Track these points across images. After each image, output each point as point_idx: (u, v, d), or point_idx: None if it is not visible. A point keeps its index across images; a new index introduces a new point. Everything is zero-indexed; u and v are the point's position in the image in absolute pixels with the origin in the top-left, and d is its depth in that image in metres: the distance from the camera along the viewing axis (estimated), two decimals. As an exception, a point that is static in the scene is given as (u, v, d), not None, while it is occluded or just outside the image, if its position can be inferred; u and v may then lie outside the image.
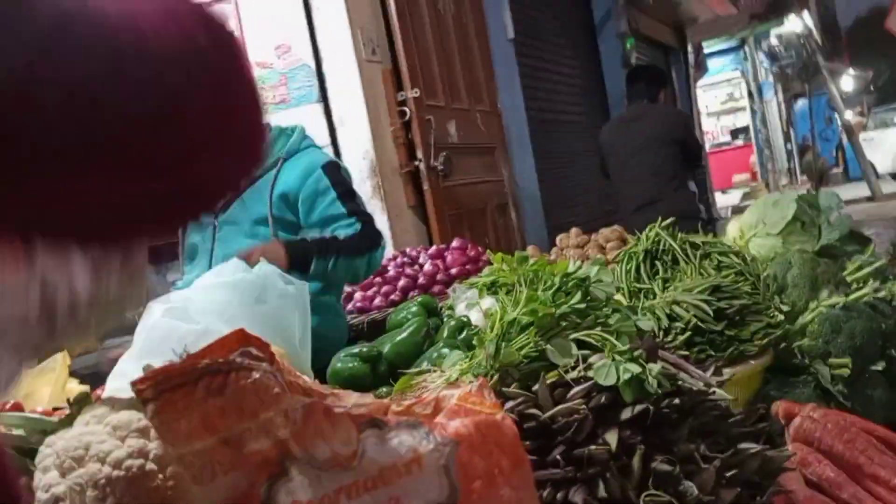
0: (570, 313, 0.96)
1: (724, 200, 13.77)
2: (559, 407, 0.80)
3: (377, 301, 2.84)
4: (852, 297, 1.57)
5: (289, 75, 3.54)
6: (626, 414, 0.81)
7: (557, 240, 2.90)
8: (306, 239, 2.02)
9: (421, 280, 2.82)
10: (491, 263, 2.96)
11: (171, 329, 1.33)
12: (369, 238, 2.09)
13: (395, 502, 0.49)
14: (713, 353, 1.46)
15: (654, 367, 0.83)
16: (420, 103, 3.69)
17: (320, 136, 3.52)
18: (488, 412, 0.58)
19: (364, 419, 0.50)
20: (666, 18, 9.51)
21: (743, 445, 0.84)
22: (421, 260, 3.00)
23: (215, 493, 0.52)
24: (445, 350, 1.27)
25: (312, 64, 3.49)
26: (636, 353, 0.87)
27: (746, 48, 16.08)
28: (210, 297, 1.46)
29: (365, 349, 1.30)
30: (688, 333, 1.45)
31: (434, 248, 3.08)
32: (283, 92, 3.56)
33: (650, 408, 0.80)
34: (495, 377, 0.94)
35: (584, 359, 0.91)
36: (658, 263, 2.08)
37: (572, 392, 0.83)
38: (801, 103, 20.35)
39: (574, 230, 2.84)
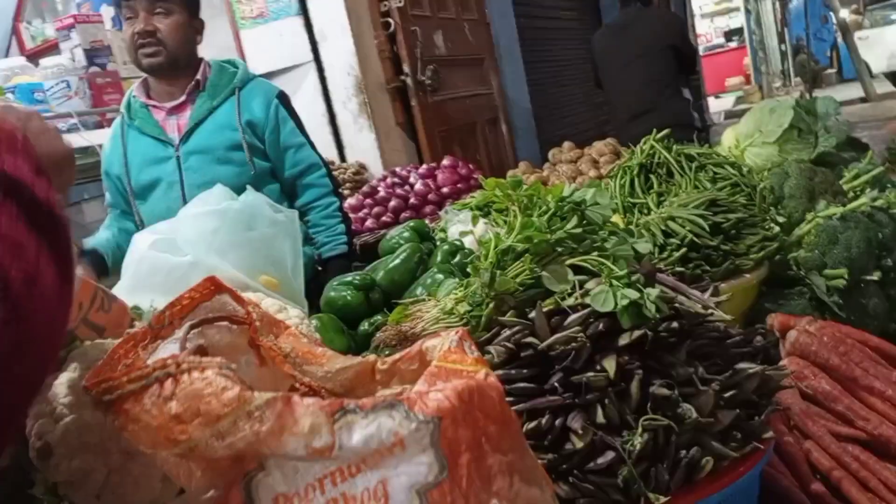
0: (566, 239, 0.93)
1: (717, 105, 13.58)
2: (556, 336, 0.79)
3: (368, 223, 2.82)
4: (849, 206, 1.54)
5: (268, -10, 3.39)
6: (624, 340, 0.80)
7: (550, 154, 2.85)
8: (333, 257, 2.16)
9: (412, 200, 2.79)
10: (484, 179, 2.93)
11: (158, 262, 1.31)
12: (341, 196, 2.27)
13: (382, 485, 0.48)
14: (709, 268, 1.45)
15: (652, 292, 0.81)
16: (404, 13, 3.55)
17: (302, 51, 3.40)
18: (470, 371, 0.56)
19: (337, 407, 0.48)
20: (659, -86, 9.06)
21: (741, 366, 0.84)
22: (411, 179, 2.95)
23: (198, 491, 0.51)
24: (439, 276, 1.25)
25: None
26: (634, 278, 0.85)
27: (743, -56, 15.48)
28: (197, 227, 1.42)
29: (358, 277, 1.28)
30: (683, 249, 1.44)
31: (424, 166, 3.03)
32: (261, 5, 3.41)
33: (648, 333, 0.79)
34: (490, 306, 0.92)
35: (581, 284, 0.89)
36: (653, 177, 2.04)
37: (569, 319, 0.82)
38: (796, 2, 19.76)
39: (567, 144, 2.79)
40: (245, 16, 3.39)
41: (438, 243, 1.46)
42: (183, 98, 2.11)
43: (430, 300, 1.02)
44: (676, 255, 1.46)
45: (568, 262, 0.93)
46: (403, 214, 2.77)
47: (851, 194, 1.71)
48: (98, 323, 0.86)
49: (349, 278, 1.29)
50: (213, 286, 0.73)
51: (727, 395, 0.80)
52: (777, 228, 1.60)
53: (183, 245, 1.38)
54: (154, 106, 2.12)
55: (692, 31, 10.39)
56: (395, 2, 3.47)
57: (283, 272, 1.34)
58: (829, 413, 1.06)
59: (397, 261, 1.33)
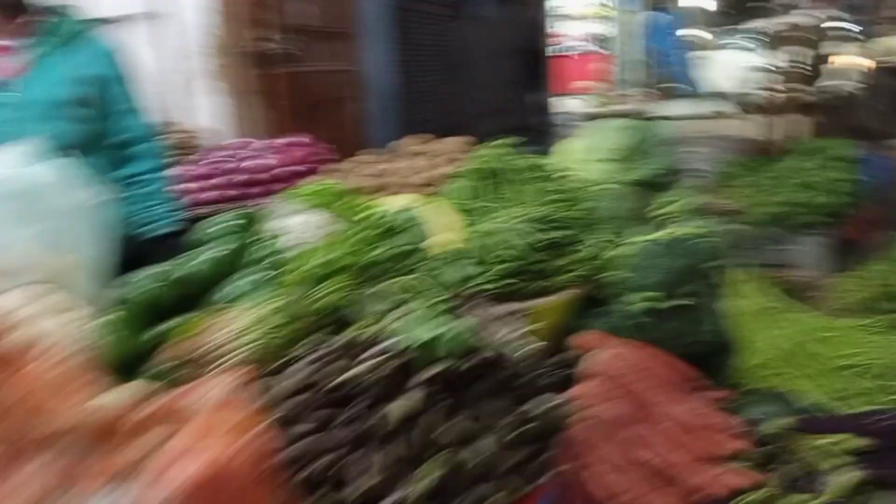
0: (388, 259, 0.91)
1: (574, 106, 14.16)
2: (349, 373, 0.76)
3: (212, 194, 2.65)
4: (665, 232, 1.64)
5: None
6: (423, 376, 0.78)
7: (399, 144, 2.83)
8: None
9: (249, 177, 2.66)
10: (330, 162, 2.84)
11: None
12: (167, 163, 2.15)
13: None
14: (527, 284, 1.49)
15: (458, 326, 0.81)
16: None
17: (158, 2, 3.15)
18: (232, 434, 0.51)
19: (54, 489, 0.42)
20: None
21: (537, 400, 0.85)
22: (259, 150, 2.82)
23: None
24: (252, 276, 1.19)
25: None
26: (445, 307, 0.84)
27: (612, -46, 16.15)
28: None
29: (163, 270, 1.19)
30: (506, 264, 1.47)
31: (275, 140, 2.90)
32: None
33: (447, 369, 0.78)
34: (293, 329, 0.88)
35: (398, 305, 0.87)
36: (493, 182, 2.09)
37: (369, 352, 0.79)
38: (657, 17, 20.98)
39: (416, 137, 2.77)
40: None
41: (258, 239, 1.39)
42: (12, 42, 1.89)
43: (229, 313, 0.96)
44: (498, 268, 1.49)
45: (384, 284, 0.91)
46: (229, 192, 2.63)
47: (668, 218, 1.82)
48: None
49: (152, 270, 1.19)
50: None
51: (517, 432, 0.81)
52: (598, 248, 1.67)
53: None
54: None
55: (550, 34, 10.73)
56: (258, -36, 3.29)
57: (86, 254, 1.21)
58: (621, 439, 1.11)
59: (208, 254, 1.25)
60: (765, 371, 1.40)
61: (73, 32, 1.95)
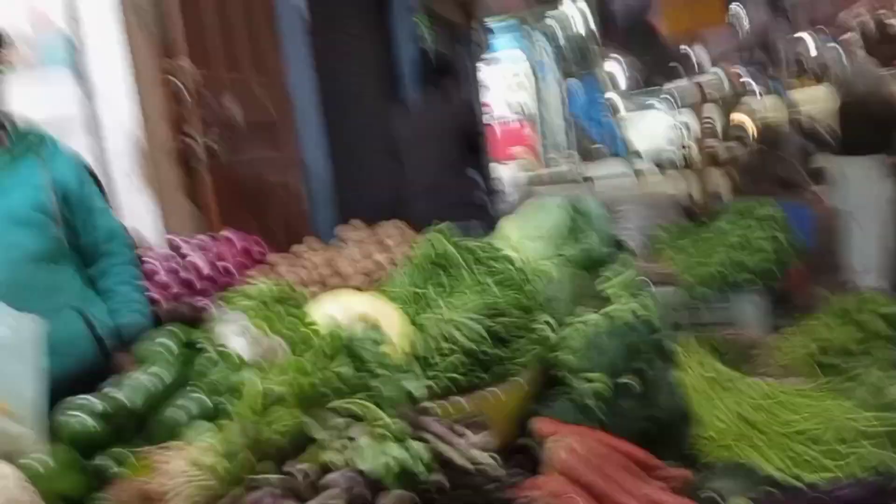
0: (335, 380, 0.88)
1: (504, 173, 14.52)
2: (315, 501, 0.73)
3: (156, 294, 2.56)
4: (608, 310, 1.66)
5: (40, 40, 3.07)
6: (385, 500, 0.76)
7: (339, 231, 2.81)
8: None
9: (184, 275, 2.59)
10: (274, 252, 2.79)
11: None
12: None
13: None
14: (484, 374, 1.48)
15: (414, 448, 0.78)
16: (193, 74, 3.37)
17: (69, 107, 3.10)
18: None
19: None
20: (454, -4, 9.68)
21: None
22: (186, 251, 2.75)
23: None
24: (194, 397, 1.14)
25: (69, 29, 3.05)
26: (399, 427, 0.82)
27: (528, 29, 16.98)
28: None
29: (99, 399, 1.13)
30: (456, 355, 1.46)
31: (203, 238, 2.84)
32: (29, 56, 3.07)
33: (412, 496, 0.76)
34: (246, 458, 0.84)
35: (349, 426, 0.84)
36: (437, 268, 2.09)
37: (327, 479, 0.76)
38: (574, 83, 21.97)
39: (356, 223, 2.77)
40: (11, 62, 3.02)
41: (200, 350, 1.34)
42: None
43: (179, 447, 0.92)
44: (451, 359, 1.48)
45: (335, 405, 0.88)
46: (173, 291, 2.56)
47: (612, 295, 1.85)
48: None
49: (86, 401, 1.12)
50: None
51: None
52: (546, 330, 1.68)
53: None
54: None
55: (482, 106, 11.12)
56: (183, 62, 3.29)
57: (17, 396, 1.14)
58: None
59: (145, 376, 1.19)
60: (718, 443, 1.41)
61: (43, 140, 1.96)
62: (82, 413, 1.11)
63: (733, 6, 12.59)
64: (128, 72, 3.11)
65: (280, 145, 4.27)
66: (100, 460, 1.08)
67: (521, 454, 1.31)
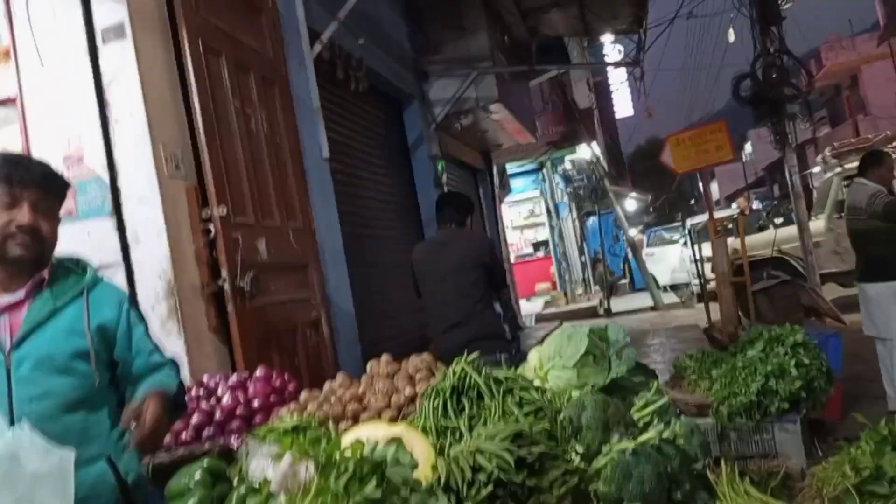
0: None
1: (528, 308, 14.60)
2: None
3: (192, 433, 2.57)
4: (640, 440, 1.64)
5: (78, 186, 3.27)
6: None
7: (368, 367, 2.83)
8: (169, 388, 1.90)
9: (218, 416, 2.60)
10: (299, 391, 2.81)
11: None
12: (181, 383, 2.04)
13: None
14: (515, 506, 1.45)
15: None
16: (227, 221, 3.55)
17: (110, 252, 3.25)
18: None
19: None
20: (473, 143, 10.22)
21: None
22: (220, 391, 2.78)
23: None
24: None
25: (106, 176, 3.25)
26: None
27: (544, 171, 17.67)
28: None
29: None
30: (490, 487, 1.43)
31: (235, 376, 2.88)
32: (69, 204, 3.26)
33: None
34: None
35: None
36: (464, 399, 2.09)
37: None
38: (591, 220, 22.53)
39: (384, 358, 2.79)
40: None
41: (235, 484, 1.34)
42: (22, 295, 1.85)
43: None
44: (484, 492, 1.45)
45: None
46: (206, 431, 2.57)
47: (642, 424, 1.82)
48: None
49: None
50: None
51: None
52: (577, 460, 1.65)
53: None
54: None
55: (503, 242, 11.39)
56: (218, 210, 3.48)
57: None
58: None
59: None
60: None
61: (91, 283, 1.95)
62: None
63: (747, 145, 13.11)
64: (163, 218, 3.28)
65: (308, 286, 4.39)
66: None
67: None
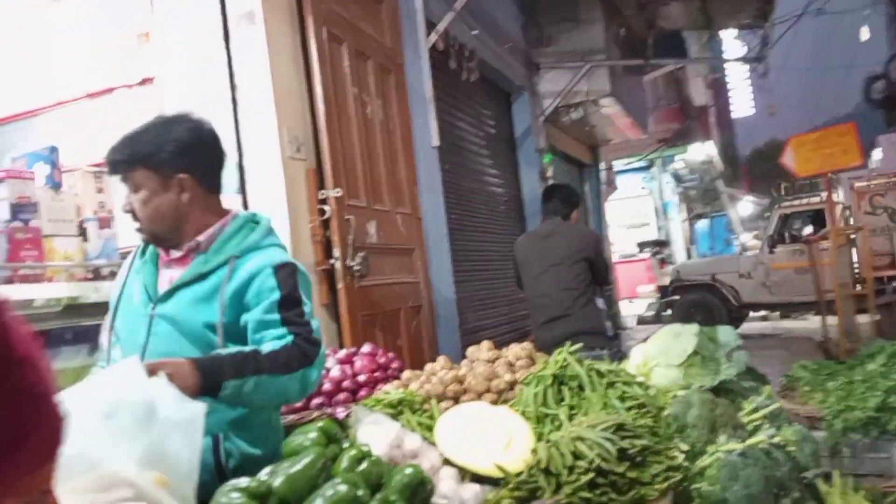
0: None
1: (630, 309, 14.27)
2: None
3: (301, 403, 2.71)
4: (748, 442, 1.60)
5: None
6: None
7: (468, 352, 2.88)
8: (220, 357, 1.71)
9: (326, 386, 2.73)
10: (401, 370, 2.90)
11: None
12: (300, 353, 1.76)
13: None
14: (615, 495, 1.45)
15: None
16: (341, 203, 3.68)
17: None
18: None
19: None
20: (581, 138, 10.08)
21: None
22: (328, 364, 2.91)
23: None
24: (342, 487, 1.20)
25: (234, 156, 3.45)
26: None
27: (654, 169, 17.18)
28: (91, 411, 1.34)
29: (254, 483, 1.21)
30: (591, 475, 1.44)
31: (343, 351, 3.00)
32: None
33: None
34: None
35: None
36: (565, 389, 2.10)
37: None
38: (701, 223, 21.70)
39: (485, 344, 2.83)
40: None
41: (345, 447, 1.42)
42: (181, 253, 1.91)
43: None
44: (584, 479, 1.46)
45: None
46: (315, 400, 2.69)
47: (751, 428, 1.77)
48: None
49: (244, 483, 1.21)
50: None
51: None
52: (681, 457, 1.63)
53: (69, 431, 1.29)
54: (161, 253, 1.95)
55: (607, 241, 11.18)
56: (334, 191, 3.62)
57: (177, 472, 1.25)
58: None
59: (299, 466, 1.27)
60: None
61: (245, 250, 1.88)
62: (239, 493, 1.20)
63: (876, 151, 12.25)
64: (284, 197, 3.44)
65: (413, 270, 4.50)
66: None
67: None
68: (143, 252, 2.00)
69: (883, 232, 8.72)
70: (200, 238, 1.89)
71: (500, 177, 7.30)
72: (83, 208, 3.28)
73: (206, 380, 1.60)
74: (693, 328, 2.23)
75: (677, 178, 19.65)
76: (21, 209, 2.91)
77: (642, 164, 16.44)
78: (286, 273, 1.88)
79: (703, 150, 16.87)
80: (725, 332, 2.30)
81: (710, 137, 17.81)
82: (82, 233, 3.22)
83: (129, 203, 1.90)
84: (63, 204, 3.14)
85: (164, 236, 1.91)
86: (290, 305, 1.83)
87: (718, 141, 21.07)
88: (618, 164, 14.36)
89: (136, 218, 1.89)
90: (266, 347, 1.74)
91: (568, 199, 4.20)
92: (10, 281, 2.79)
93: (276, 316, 1.80)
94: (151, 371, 1.48)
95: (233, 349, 1.75)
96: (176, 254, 1.91)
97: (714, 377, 2.10)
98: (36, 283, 2.86)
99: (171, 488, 1.25)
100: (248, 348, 1.75)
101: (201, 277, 1.84)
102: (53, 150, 3.26)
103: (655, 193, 17.56)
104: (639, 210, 17.81)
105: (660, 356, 2.27)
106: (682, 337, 2.22)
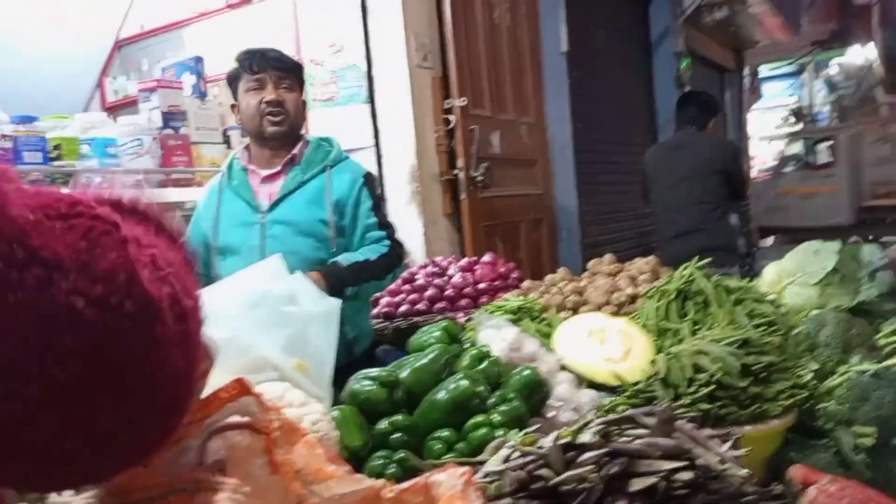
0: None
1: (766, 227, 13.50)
2: (569, 473, 0.80)
3: (403, 308, 2.85)
4: (884, 364, 1.52)
5: (339, 74, 3.57)
6: (637, 486, 0.80)
7: (589, 265, 2.87)
8: (342, 265, 2.14)
9: (448, 292, 2.83)
10: (521, 280, 2.95)
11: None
12: (396, 255, 2.30)
13: None
14: (736, 409, 1.44)
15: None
16: (466, 112, 3.69)
17: (365, 136, 3.55)
18: None
19: None
20: (724, 40, 9.34)
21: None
22: (451, 271, 3.00)
23: None
24: (464, 381, 1.27)
25: (363, 65, 3.51)
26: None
27: (805, 75, 15.74)
28: (240, 302, 1.48)
29: (384, 373, 1.31)
30: (711, 387, 1.43)
31: (465, 259, 3.08)
32: (332, 90, 3.60)
33: (658, 482, 0.80)
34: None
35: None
36: (689, 304, 2.06)
37: (583, 457, 0.83)
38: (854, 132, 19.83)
39: (608, 257, 2.80)
40: (316, 97, 3.57)
41: (467, 347, 1.49)
42: (279, 168, 2.26)
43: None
44: (704, 391, 1.46)
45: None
46: (438, 304, 2.80)
47: (888, 350, 1.68)
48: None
49: (375, 373, 1.31)
50: (239, 388, 0.76)
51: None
52: (809, 376, 1.58)
53: (222, 318, 1.43)
54: (252, 171, 2.27)
55: (748, 154, 10.51)
56: (459, 101, 3.62)
57: (316, 359, 1.37)
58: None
59: (424, 360, 1.36)
60: None
61: (334, 161, 2.29)
62: (370, 381, 1.30)
63: None
64: (410, 107, 3.49)
65: (536, 182, 4.47)
66: (380, 426, 1.25)
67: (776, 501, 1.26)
68: (230, 178, 2.29)
69: None
70: (295, 151, 2.27)
71: (632, 83, 6.97)
72: (226, 117, 3.49)
73: (333, 287, 2.02)
74: (835, 245, 2.10)
75: (830, 86, 17.92)
76: (172, 117, 3.14)
77: (791, 69, 15.09)
78: (373, 182, 2.35)
79: (863, 54, 15.21)
80: (870, 251, 2.15)
81: (871, 39, 15.97)
82: (226, 140, 3.44)
83: (280, 98, 2.22)
84: (209, 112, 3.36)
85: (293, 135, 2.28)
86: (379, 208, 2.30)
87: (881, 43, 18.85)
88: (764, 70, 13.27)
89: (283, 111, 2.22)
90: (372, 254, 2.21)
91: (705, 107, 3.98)
92: (163, 185, 3.06)
93: (373, 219, 2.25)
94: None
95: (350, 259, 2.16)
96: (269, 171, 2.26)
97: (853, 297, 1.98)
98: (186, 187, 3.12)
99: (309, 373, 1.38)
100: (360, 257, 2.19)
101: (303, 184, 2.21)
102: (199, 60, 3.46)
103: (805, 101, 16.16)
104: (786, 120, 16.50)
105: (796, 273, 2.16)
106: (821, 254, 2.10)
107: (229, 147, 3.44)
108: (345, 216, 2.24)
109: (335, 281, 2.07)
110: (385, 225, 2.30)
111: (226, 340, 1.33)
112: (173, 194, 3.04)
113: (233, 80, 2.30)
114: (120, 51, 4.35)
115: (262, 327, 1.39)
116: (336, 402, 1.34)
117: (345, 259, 2.16)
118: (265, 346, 1.35)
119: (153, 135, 3.06)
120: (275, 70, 2.23)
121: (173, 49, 4.01)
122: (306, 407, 1.07)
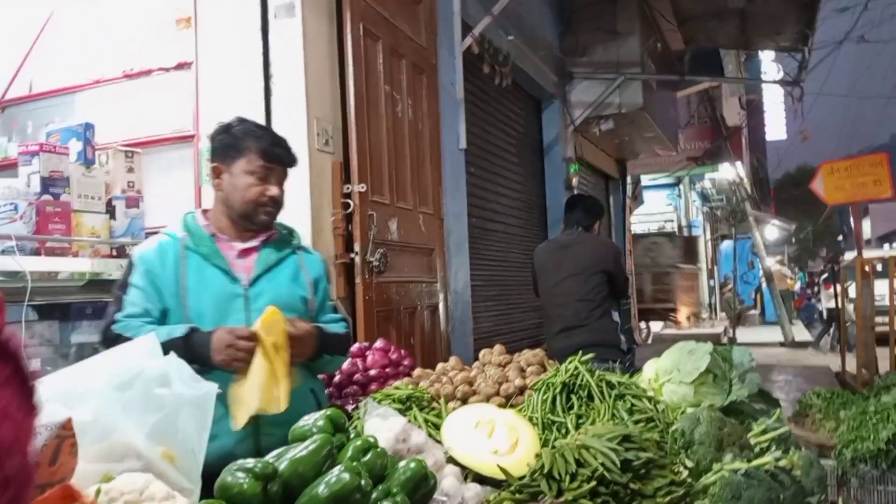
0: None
1: (647, 326, 14.16)
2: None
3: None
4: (754, 463, 1.59)
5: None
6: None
7: (481, 354, 2.89)
8: (330, 334, 2.20)
9: (337, 378, 2.75)
10: (412, 368, 2.92)
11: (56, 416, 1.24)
12: (350, 338, 2.40)
13: None
14: (613, 507, 1.45)
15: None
16: (365, 198, 3.71)
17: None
18: None
19: None
20: (610, 150, 10.03)
21: None
22: (354, 353, 2.93)
23: None
24: (345, 475, 1.21)
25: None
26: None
27: (681, 186, 17.05)
28: (109, 380, 1.37)
29: (260, 464, 1.23)
30: (593, 483, 1.45)
31: (356, 345, 3.02)
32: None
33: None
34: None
35: None
36: (574, 397, 2.10)
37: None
38: (725, 244, 21.50)
39: (498, 347, 2.83)
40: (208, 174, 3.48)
41: (352, 436, 1.43)
42: (255, 243, 2.23)
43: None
44: (586, 486, 1.47)
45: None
46: (325, 391, 2.71)
47: (758, 449, 1.76)
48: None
49: (250, 465, 1.23)
50: (63, 496, 0.69)
51: None
52: (685, 473, 1.63)
53: (86, 397, 1.31)
54: (222, 239, 2.21)
55: (629, 255, 11.12)
56: (358, 186, 3.65)
57: (185, 447, 1.28)
58: None
59: (305, 452, 1.29)
60: None
61: (299, 243, 2.35)
62: (244, 473, 1.22)
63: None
64: (308, 188, 3.47)
65: (431, 270, 4.52)
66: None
67: None
68: (194, 243, 2.18)
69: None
70: (272, 231, 2.30)
71: (525, 183, 7.30)
72: (113, 186, 3.35)
73: (319, 349, 2.12)
74: (707, 346, 2.22)
75: (704, 198, 19.50)
76: (52, 183, 2.97)
77: (669, 180, 16.33)
78: (328, 268, 2.44)
79: (733, 171, 16.72)
80: (740, 353, 2.28)
81: (740, 158, 17.65)
82: (110, 210, 3.28)
83: (280, 194, 2.24)
84: (94, 180, 3.20)
85: (273, 222, 2.31)
86: (333, 295, 2.41)
87: (749, 162, 20.88)
88: (645, 179, 14.29)
89: (278, 206, 2.25)
90: (341, 330, 2.29)
91: (591, 211, 4.20)
92: (36, 252, 2.85)
93: (331, 303, 2.35)
94: (295, 326, 2.00)
95: (329, 328, 2.24)
96: (246, 245, 2.23)
97: (725, 397, 2.09)
98: (62, 257, 2.93)
99: (177, 463, 1.28)
100: (336, 329, 2.26)
101: (279, 262, 2.23)
102: (89, 126, 3.33)
103: (681, 211, 17.43)
104: (663, 227, 17.69)
105: (672, 372, 2.26)
106: (695, 354, 2.21)
107: (113, 218, 3.28)
108: (317, 295, 2.30)
109: (324, 343, 2.13)
110: (337, 308, 2.39)
111: (85, 423, 1.23)
112: (46, 263, 2.84)
113: (229, 149, 2.19)
114: (3, 111, 4.14)
115: (129, 410, 1.29)
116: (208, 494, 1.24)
117: (325, 327, 2.20)
118: (130, 431, 1.25)
119: (30, 199, 2.88)
120: (285, 167, 2.26)
121: (62, 114, 3.85)
122: (170, 501, 0.98)
